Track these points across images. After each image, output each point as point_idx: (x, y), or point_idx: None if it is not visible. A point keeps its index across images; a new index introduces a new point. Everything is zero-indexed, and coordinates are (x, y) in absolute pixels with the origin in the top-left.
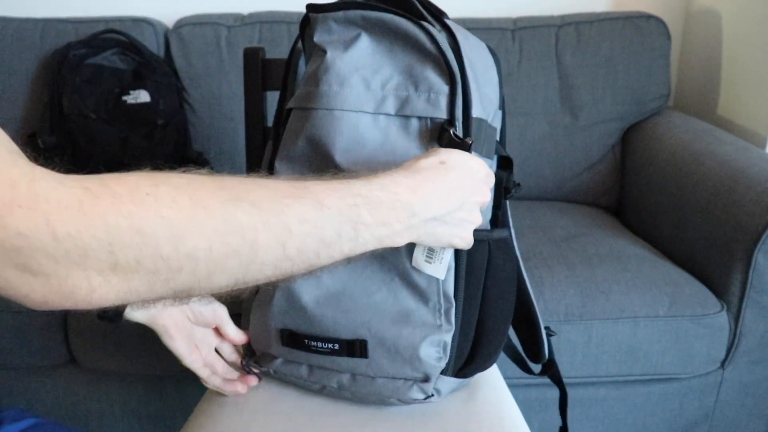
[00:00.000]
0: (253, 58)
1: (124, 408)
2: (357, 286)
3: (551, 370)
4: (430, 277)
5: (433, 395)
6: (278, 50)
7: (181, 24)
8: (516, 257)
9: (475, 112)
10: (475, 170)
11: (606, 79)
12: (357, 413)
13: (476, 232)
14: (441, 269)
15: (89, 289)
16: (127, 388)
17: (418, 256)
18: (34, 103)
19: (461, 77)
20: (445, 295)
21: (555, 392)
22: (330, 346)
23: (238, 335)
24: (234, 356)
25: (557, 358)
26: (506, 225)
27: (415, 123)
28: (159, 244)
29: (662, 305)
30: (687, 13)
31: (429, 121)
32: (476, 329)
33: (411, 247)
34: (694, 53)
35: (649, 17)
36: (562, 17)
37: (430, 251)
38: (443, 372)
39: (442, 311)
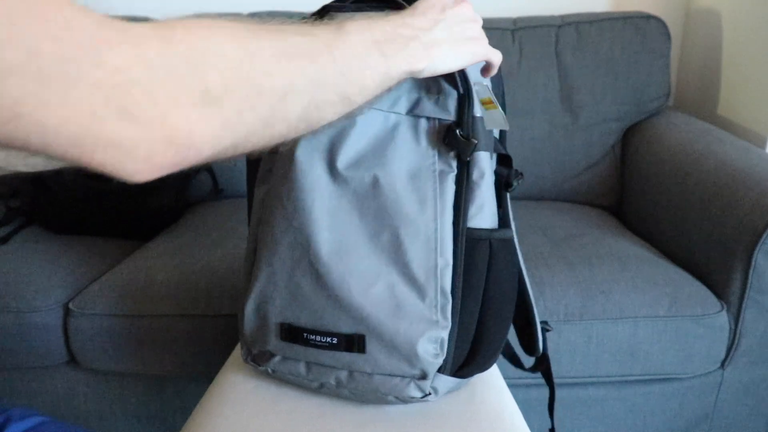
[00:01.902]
0: None
1: (124, 408)
2: (354, 279)
3: (543, 366)
4: (428, 271)
5: (430, 394)
6: None
7: None
8: (518, 260)
9: (475, 111)
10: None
11: (606, 79)
12: (357, 413)
13: (477, 231)
14: (503, 120)
15: (188, 127)
16: (127, 388)
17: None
18: None
19: (464, 80)
20: (442, 291)
21: (556, 391)
22: (328, 340)
23: None
24: None
25: (557, 358)
26: (508, 221)
27: (423, 123)
28: (238, 61)
29: (662, 305)
30: (687, 13)
31: (437, 122)
32: (476, 329)
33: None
34: (694, 53)
35: (649, 17)
36: (562, 17)
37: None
38: (441, 370)
39: (439, 307)
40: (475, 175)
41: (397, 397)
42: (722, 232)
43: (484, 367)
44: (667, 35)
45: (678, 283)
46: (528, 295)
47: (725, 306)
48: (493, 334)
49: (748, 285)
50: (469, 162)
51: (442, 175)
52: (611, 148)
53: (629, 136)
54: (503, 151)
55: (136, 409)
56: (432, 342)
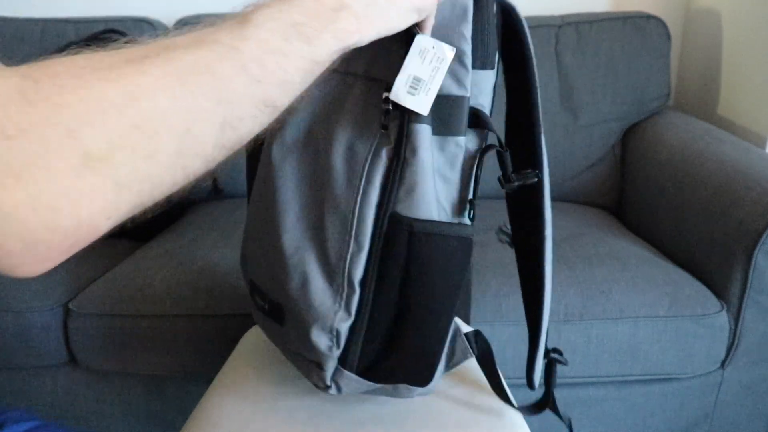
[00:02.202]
0: None
1: (124, 408)
2: (279, 248)
3: (546, 406)
4: (339, 254)
5: (330, 387)
6: None
7: (182, 24)
8: (470, 262)
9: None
10: None
11: (606, 79)
12: (356, 412)
13: (400, 217)
14: (424, 103)
15: (71, 201)
16: (127, 388)
17: (400, 86)
18: None
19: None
20: (349, 278)
21: (555, 392)
22: (262, 303)
23: None
24: None
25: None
26: (468, 212)
27: (376, 87)
28: (119, 106)
29: (662, 305)
30: (687, 13)
31: (387, 85)
32: (391, 331)
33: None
34: (694, 53)
35: (649, 17)
36: (562, 17)
37: (416, 80)
38: (343, 366)
39: (344, 295)
40: (406, 152)
41: (310, 381)
42: (722, 232)
43: (402, 375)
44: (667, 35)
45: (678, 283)
46: (541, 318)
47: (725, 306)
48: (411, 341)
49: (748, 285)
50: (401, 136)
51: (378, 148)
52: (611, 148)
53: (629, 136)
54: (491, 129)
55: (136, 409)
56: (326, 332)
